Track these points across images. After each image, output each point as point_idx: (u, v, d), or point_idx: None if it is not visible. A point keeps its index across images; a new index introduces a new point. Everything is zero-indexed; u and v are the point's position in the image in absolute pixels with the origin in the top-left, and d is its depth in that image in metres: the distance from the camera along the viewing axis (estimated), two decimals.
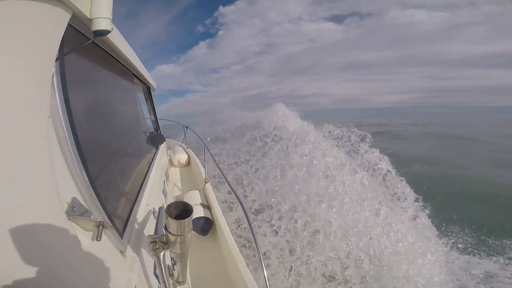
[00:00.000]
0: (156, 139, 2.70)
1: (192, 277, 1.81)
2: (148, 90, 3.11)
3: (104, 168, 1.09)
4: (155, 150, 2.60)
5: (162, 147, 3.05)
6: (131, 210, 1.24)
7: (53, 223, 0.51)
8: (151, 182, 1.75)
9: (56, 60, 0.69)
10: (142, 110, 2.60)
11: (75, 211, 0.63)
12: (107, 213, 0.86)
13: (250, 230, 1.59)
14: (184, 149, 4.23)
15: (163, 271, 0.88)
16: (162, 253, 0.87)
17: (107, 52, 1.51)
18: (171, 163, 3.82)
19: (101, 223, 0.65)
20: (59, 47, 0.70)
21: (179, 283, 1.34)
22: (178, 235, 0.76)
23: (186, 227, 0.75)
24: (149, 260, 1.08)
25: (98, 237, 0.64)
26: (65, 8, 0.62)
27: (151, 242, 0.85)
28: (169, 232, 0.76)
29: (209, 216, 2.37)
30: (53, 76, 0.70)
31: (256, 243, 1.49)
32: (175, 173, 3.72)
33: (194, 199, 2.58)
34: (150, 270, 1.07)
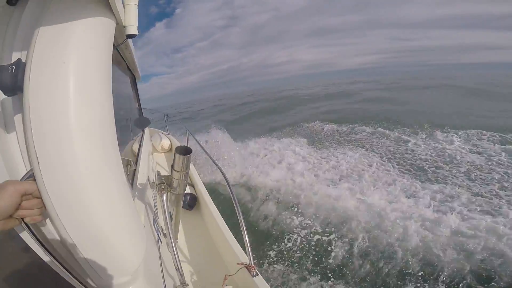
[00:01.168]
0: (142, 122, 2.92)
1: (180, 248, 1.98)
2: (133, 79, 3.30)
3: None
4: (141, 132, 2.81)
5: (147, 132, 3.24)
6: (134, 173, 1.50)
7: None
8: (143, 157, 1.98)
9: None
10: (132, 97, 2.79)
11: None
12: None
13: (231, 196, 1.72)
14: (165, 135, 4.43)
15: (165, 210, 1.16)
16: (165, 194, 1.15)
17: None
18: (154, 149, 4.02)
19: (129, 162, 0.94)
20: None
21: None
22: (181, 171, 1.04)
23: (188, 163, 1.03)
24: (150, 214, 1.32)
25: (128, 172, 0.92)
26: (112, 17, 0.78)
27: (158, 184, 1.13)
28: (174, 170, 1.05)
29: (194, 193, 2.63)
30: None
31: (237, 208, 1.62)
32: (159, 159, 3.92)
33: None
34: (150, 223, 1.28)
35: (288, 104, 19.25)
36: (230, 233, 1.85)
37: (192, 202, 2.54)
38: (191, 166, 3.09)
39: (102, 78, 0.72)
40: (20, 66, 0.61)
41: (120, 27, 0.88)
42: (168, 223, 1.19)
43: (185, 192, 2.55)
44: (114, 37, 0.84)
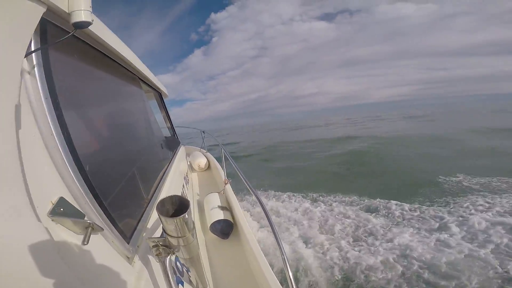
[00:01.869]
0: (171, 143, 2.70)
1: (215, 281, 1.74)
2: (160, 96, 3.13)
3: (105, 170, 1.04)
4: (172, 154, 2.58)
5: (180, 152, 3.04)
6: (142, 215, 1.18)
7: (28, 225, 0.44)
8: (167, 187, 1.69)
9: (32, 53, 0.64)
10: (154, 116, 2.59)
11: (60, 212, 0.57)
12: (108, 217, 0.80)
13: (272, 230, 1.48)
14: (203, 153, 4.24)
15: (170, 277, 0.79)
16: (168, 258, 0.79)
17: (107, 56, 1.49)
18: (191, 168, 3.82)
19: (90, 224, 0.58)
20: (42, 43, 0.67)
21: None
22: (179, 237, 0.66)
23: (186, 225, 0.64)
24: (159, 270, 1.00)
25: (85, 241, 0.57)
26: (39, 2, 0.58)
27: (153, 247, 0.77)
28: (168, 235, 0.67)
29: (230, 219, 2.29)
30: (34, 71, 0.66)
31: (278, 242, 1.38)
32: (196, 178, 3.72)
33: (213, 202, 2.50)
34: (161, 280, 0.99)
35: None
36: (270, 268, 1.58)
37: (227, 230, 2.21)
38: (228, 187, 2.76)
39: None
40: None
41: (66, 16, 0.63)
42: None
43: (220, 219, 2.23)
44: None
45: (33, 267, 0.43)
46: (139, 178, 1.38)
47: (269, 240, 3.70)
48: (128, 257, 0.83)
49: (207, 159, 4.08)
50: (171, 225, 0.63)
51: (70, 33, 0.63)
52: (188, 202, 0.63)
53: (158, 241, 0.76)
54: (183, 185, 2.39)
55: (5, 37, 0.48)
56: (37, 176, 0.54)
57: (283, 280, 1.36)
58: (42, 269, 0.44)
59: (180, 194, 2.01)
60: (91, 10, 0.63)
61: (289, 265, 1.27)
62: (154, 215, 1.25)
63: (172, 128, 3.40)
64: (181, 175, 2.54)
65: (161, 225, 0.74)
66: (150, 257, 0.96)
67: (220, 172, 3.29)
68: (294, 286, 1.18)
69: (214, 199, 2.55)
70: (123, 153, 1.36)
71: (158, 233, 1.15)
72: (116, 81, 1.66)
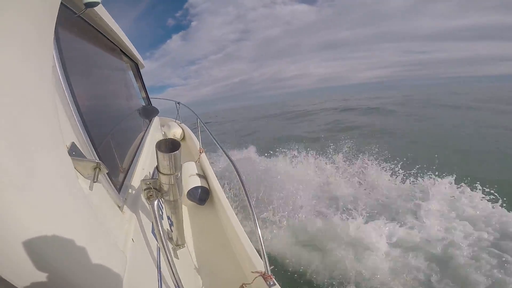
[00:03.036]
0: (149, 111, 2.75)
1: (192, 244, 1.86)
2: (136, 67, 3.10)
3: (100, 128, 1.15)
4: (148, 122, 2.64)
5: (156, 121, 3.08)
6: (127, 172, 1.31)
7: (57, 162, 0.54)
8: (146, 149, 1.80)
9: None
10: (134, 86, 2.61)
11: (73, 155, 0.69)
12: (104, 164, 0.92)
13: (244, 193, 1.56)
14: (178, 124, 4.26)
15: (157, 219, 0.93)
16: (156, 201, 0.92)
17: (96, 29, 1.54)
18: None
19: (98, 164, 0.71)
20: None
21: (179, 246, 1.38)
22: (171, 174, 0.80)
23: (177, 162, 0.77)
24: (147, 221, 1.13)
25: (95, 179, 0.70)
26: None
27: (145, 189, 0.91)
28: (160, 173, 0.80)
29: (206, 186, 2.44)
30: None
31: (252, 209, 1.46)
32: None
33: (189, 170, 2.62)
34: (149, 229, 1.12)
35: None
36: (245, 234, 1.69)
37: (204, 196, 2.36)
38: (203, 156, 2.89)
39: (32, 64, 0.50)
40: None
41: None
42: (162, 233, 0.97)
43: (197, 185, 2.38)
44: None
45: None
46: (124, 138, 1.49)
47: None
48: (119, 206, 0.96)
49: (182, 129, 4.12)
50: (165, 160, 0.76)
51: (82, 10, 0.71)
52: (179, 143, 0.76)
53: (150, 183, 0.90)
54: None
55: (37, 12, 0.53)
56: (57, 123, 0.64)
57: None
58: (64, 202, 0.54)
59: (148, 167, 2.09)
60: None
61: (259, 226, 1.35)
62: (137, 173, 1.37)
63: (147, 98, 3.40)
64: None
65: (155, 165, 0.87)
66: (138, 210, 1.10)
67: (195, 142, 3.37)
68: (267, 260, 1.30)
69: (191, 167, 2.67)
70: (112, 114, 1.46)
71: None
72: (104, 52, 1.70)
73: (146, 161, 1.61)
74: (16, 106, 0.44)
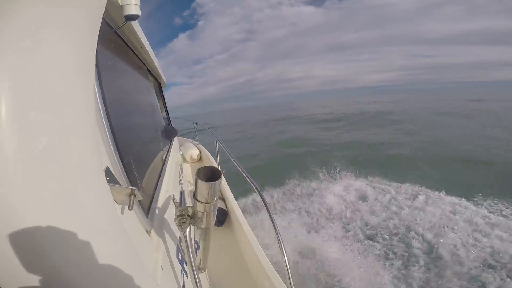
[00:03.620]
0: (169, 132, 2.77)
1: (210, 267, 1.77)
2: (159, 86, 3.18)
3: (130, 150, 1.13)
4: (169, 143, 2.65)
5: (175, 141, 3.10)
6: (153, 195, 1.27)
7: (96, 186, 0.51)
8: (169, 171, 1.78)
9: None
10: (157, 105, 2.66)
11: (108, 180, 0.66)
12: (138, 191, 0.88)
13: (269, 216, 1.49)
14: (195, 145, 4.28)
15: (189, 247, 0.89)
16: (188, 228, 0.88)
17: (128, 45, 1.57)
18: (183, 159, 3.87)
19: (133, 191, 0.67)
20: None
21: (200, 270, 1.35)
22: (207, 203, 0.76)
23: (216, 191, 0.75)
24: (172, 245, 1.09)
25: (130, 206, 0.66)
26: None
27: (178, 216, 0.86)
28: (197, 201, 0.77)
29: (224, 207, 2.39)
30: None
31: (275, 228, 1.40)
32: (188, 169, 3.77)
33: None
34: (173, 254, 1.08)
35: None
36: (265, 256, 1.62)
37: (222, 218, 2.31)
38: (222, 177, 2.85)
39: (78, 74, 0.49)
40: None
41: (116, 8, 0.68)
42: (192, 259, 0.92)
43: None
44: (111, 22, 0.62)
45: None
46: (149, 160, 1.47)
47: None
48: (147, 231, 0.92)
49: (199, 150, 4.13)
50: (205, 189, 0.73)
51: (121, 24, 0.71)
52: (220, 172, 0.73)
53: (184, 210, 0.86)
54: (179, 173, 2.47)
55: (82, 23, 0.53)
56: (98, 147, 0.61)
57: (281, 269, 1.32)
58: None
59: (178, 180, 2.08)
60: (139, 4, 0.71)
61: (285, 251, 1.26)
62: (161, 196, 1.34)
63: (168, 117, 3.45)
64: (178, 164, 2.62)
65: (179, 202, 0.83)
66: (164, 233, 1.06)
67: (213, 163, 3.37)
68: (290, 273, 1.22)
69: None
70: (140, 136, 1.45)
71: (169, 212, 1.25)
72: (133, 71, 1.74)
73: (169, 183, 1.58)
74: (64, 134, 0.41)
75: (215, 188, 0.73)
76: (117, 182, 0.70)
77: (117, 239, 0.52)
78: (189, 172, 3.68)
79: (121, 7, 0.68)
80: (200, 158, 4.07)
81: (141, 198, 0.71)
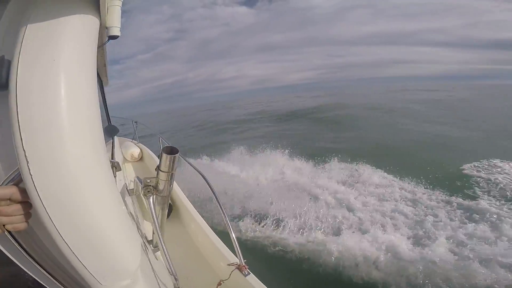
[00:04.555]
0: (111, 130, 2.78)
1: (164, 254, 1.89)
2: (101, 84, 3.10)
3: None
4: (110, 141, 2.66)
5: (116, 141, 3.08)
6: None
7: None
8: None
9: None
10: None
11: None
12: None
13: (214, 196, 1.67)
14: (135, 144, 4.22)
15: (154, 213, 1.10)
16: (151, 197, 1.10)
17: None
18: (124, 159, 3.79)
19: (114, 164, 0.91)
20: None
21: (157, 248, 1.50)
22: (168, 172, 1.01)
23: (175, 163, 1.00)
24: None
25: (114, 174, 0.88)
26: (97, 16, 0.76)
27: (144, 186, 1.09)
28: (161, 171, 1.01)
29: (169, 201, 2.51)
30: None
31: (220, 207, 1.58)
32: (129, 169, 3.71)
33: None
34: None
35: None
36: (215, 235, 1.80)
37: (168, 211, 2.44)
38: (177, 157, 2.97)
39: (89, 78, 0.71)
40: (4, 63, 0.58)
41: (102, 28, 0.86)
42: (157, 226, 1.14)
43: None
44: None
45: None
46: None
47: None
48: None
49: (140, 149, 4.08)
50: (168, 161, 0.98)
51: (105, 42, 0.92)
52: (177, 150, 0.98)
53: (149, 181, 1.09)
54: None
55: (83, 47, 0.70)
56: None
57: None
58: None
59: (123, 179, 2.14)
60: (119, 27, 0.91)
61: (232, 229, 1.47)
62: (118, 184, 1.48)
63: (107, 116, 3.38)
64: (122, 161, 2.65)
65: (158, 165, 1.05)
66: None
67: (156, 160, 3.40)
68: (240, 252, 1.41)
69: None
70: None
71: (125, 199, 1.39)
72: None
73: (120, 174, 1.70)
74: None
75: (175, 161, 1.00)
76: None
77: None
78: (131, 172, 3.64)
79: (107, 29, 0.84)
80: (141, 158, 4.03)
81: (120, 169, 0.92)
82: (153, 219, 1.12)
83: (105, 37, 0.94)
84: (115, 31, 0.88)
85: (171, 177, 1.06)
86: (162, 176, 1.04)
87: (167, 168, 1.01)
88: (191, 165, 2.18)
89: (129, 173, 3.54)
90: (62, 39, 0.62)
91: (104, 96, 3.26)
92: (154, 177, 1.10)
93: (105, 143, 2.52)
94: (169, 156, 0.98)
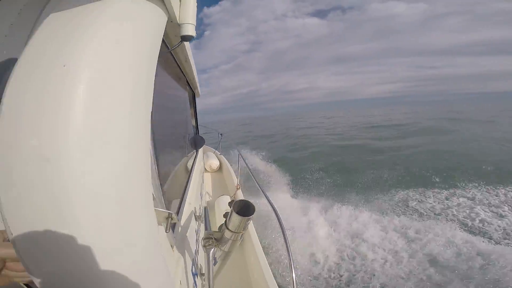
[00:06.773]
0: (198, 141, 2.83)
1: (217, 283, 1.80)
2: (193, 95, 3.28)
3: (167, 166, 1.16)
4: (195, 152, 2.71)
5: (201, 151, 3.17)
6: (179, 209, 1.29)
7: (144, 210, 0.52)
8: (193, 183, 1.80)
9: None
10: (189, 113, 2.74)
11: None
12: (167, 209, 0.90)
13: (283, 236, 1.49)
14: (216, 155, 4.35)
15: (210, 268, 0.91)
16: (212, 249, 0.91)
17: (174, 57, 1.64)
18: (204, 168, 3.93)
19: (170, 215, 0.69)
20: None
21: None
22: (236, 232, 0.81)
23: (247, 224, 0.80)
24: (189, 260, 1.10)
25: (167, 229, 0.68)
26: (164, 10, 0.61)
27: (205, 238, 0.88)
28: (227, 229, 0.81)
29: None
30: None
31: (287, 244, 1.43)
32: (206, 178, 3.81)
33: (225, 204, 2.60)
34: (189, 268, 1.09)
35: None
36: (273, 278, 1.65)
37: None
38: (239, 192, 2.87)
39: (137, 87, 0.48)
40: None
41: (173, 26, 0.68)
42: (211, 278, 0.94)
43: None
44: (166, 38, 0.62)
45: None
46: (178, 171, 1.50)
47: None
48: (171, 246, 0.93)
49: (220, 161, 4.18)
50: (237, 221, 0.78)
51: (177, 44, 0.74)
52: (254, 208, 0.77)
53: (212, 234, 0.90)
54: (201, 184, 2.49)
55: (143, 40, 0.51)
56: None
57: None
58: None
59: (199, 192, 2.10)
60: (195, 24, 0.69)
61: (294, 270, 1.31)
62: (185, 209, 1.35)
63: (196, 126, 3.55)
64: (201, 173, 2.65)
65: (205, 222, 0.84)
66: (183, 246, 1.06)
67: (233, 176, 3.38)
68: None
69: (226, 202, 2.64)
70: (174, 148, 1.48)
71: (191, 225, 1.26)
72: (176, 85, 1.80)
73: (193, 196, 1.60)
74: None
75: (246, 222, 0.78)
76: (157, 204, 0.72)
77: (155, 257, 0.53)
78: (207, 182, 3.72)
79: (179, 26, 0.67)
80: (219, 169, 4.11)
81: (176, 221, 0.72)
82: (208, 272, 0.92)
83: (177, 38, 0.75)
84: (189, 30, 0.67)
85: (239, 237, 0.86)
86: (228, 234, 0.84)
87: (236, 228, 0.81)
88: (265, 195, 1.96)
89: (206, 183, 3.62)
90: (95, 36, 0.39)
91: (195, 108, 3.43)
92: (218, 232, 0.90)
93: (190, 151, 2.61)
94: (240, 218, 0.77)
